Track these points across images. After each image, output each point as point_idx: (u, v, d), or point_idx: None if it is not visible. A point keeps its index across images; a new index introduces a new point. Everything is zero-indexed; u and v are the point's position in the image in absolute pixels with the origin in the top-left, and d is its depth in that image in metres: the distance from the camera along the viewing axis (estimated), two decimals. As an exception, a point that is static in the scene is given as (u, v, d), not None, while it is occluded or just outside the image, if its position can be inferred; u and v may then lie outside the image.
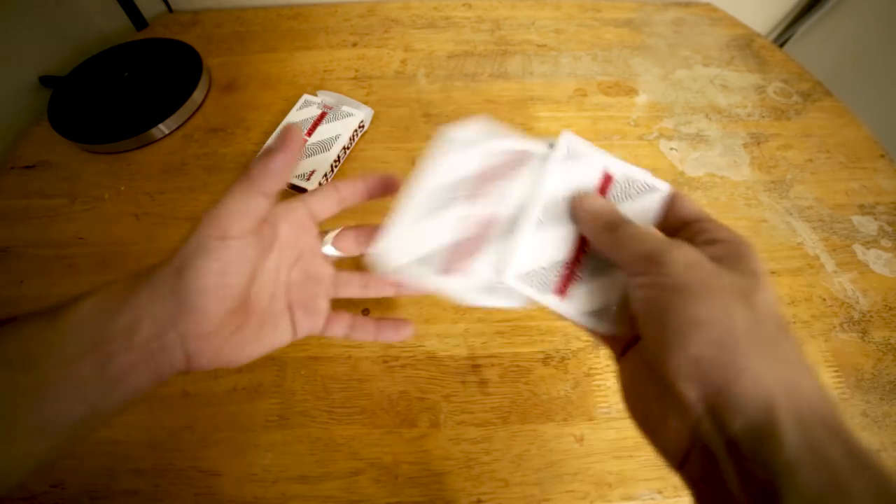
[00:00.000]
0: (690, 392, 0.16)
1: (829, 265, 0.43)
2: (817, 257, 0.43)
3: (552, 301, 0.22)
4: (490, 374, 0.37)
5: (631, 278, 0.19)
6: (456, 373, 0.37)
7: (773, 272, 0.42)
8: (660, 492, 0.33)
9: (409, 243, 0.23)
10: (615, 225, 0.21)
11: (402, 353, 0.38)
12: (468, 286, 0.22)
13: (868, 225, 0.45)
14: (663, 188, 0.23)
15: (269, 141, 0.20)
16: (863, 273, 0.42)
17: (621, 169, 0.24)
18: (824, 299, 0.41)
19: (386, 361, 0.37)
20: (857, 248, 0.43)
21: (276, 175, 0.21)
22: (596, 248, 0.22)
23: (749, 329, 0.16)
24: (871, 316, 0.40)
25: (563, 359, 0.38)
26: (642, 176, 0.23)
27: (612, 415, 0.35)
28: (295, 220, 0.25)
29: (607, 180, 0.23)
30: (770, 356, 0.16)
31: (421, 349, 0.38)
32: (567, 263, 0.22)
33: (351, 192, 0.26)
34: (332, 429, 0.35)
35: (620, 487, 0.33)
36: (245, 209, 0.20)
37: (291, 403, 0.36)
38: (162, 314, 0.19)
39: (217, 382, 0.36)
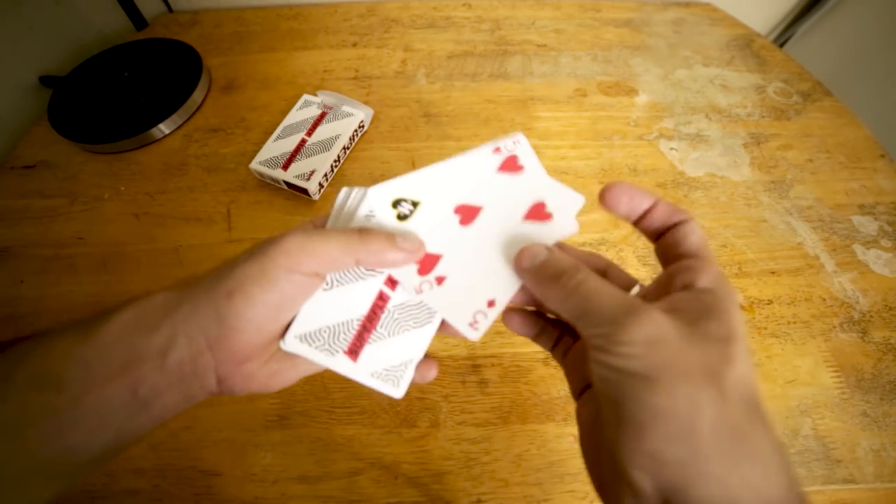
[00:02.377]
0: (645, 483, 0.15)
1: (829, 265, 0.43)
2: (817, 257, 0.43)
3: (341, 363, 0.20)
4: (490, 374, 0.37)
5: (587, 345, 0.18)
6: (456, 373, 0.37)
7: (772, 272, 0.42)
8: (660, 492, 0.33)
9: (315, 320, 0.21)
10: (553, 276, 0.19)
11: (402, 353, 0.38)
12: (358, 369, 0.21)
13: (868, 225, 0.45)
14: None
15: (402, 242, 0.20)
16: (863, 273, 0.42)
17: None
18: (824, 299, 0.41)
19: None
20: (857, 248, 0.43)
21: (385, 265, 0.20)
22: (545, 303, 0.20)
23: (715, 422, 0.15)
24: (871, 316, 0.40)
25: (563, 359, 0.38)
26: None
27: (612, 415, 0.35)
28: None
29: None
30: (737, 454, 0.14)
31: (421, 349, 0.38)
32: (361, 320, 0.21)
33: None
34: (332, 429, 0.35)
35: (620, 487, 0.33)
36: (330, 259, 0.19)
37: (291, 403, 0.36)
38: (199, 335, 0.18)
39: (217, 382, 0.36)
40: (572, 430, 0.35)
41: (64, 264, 0.42)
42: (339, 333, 0.21)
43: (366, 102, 0.52)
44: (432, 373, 0.23)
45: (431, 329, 0.22)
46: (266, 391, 0.21)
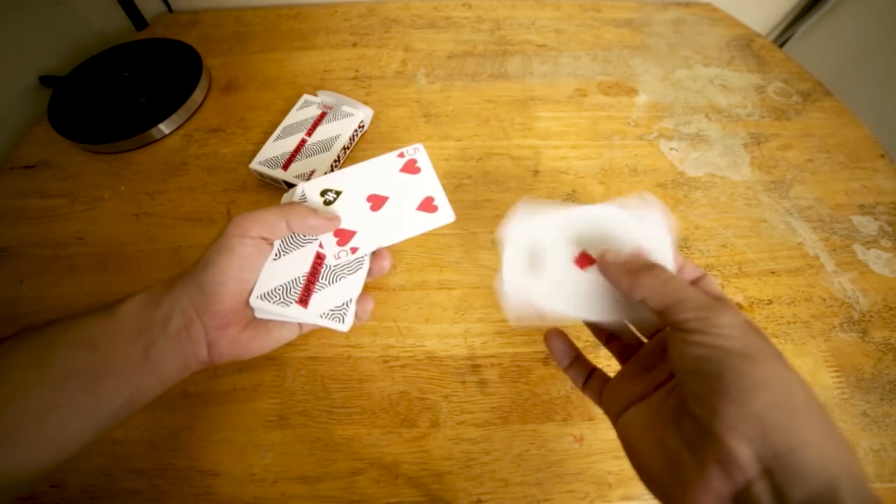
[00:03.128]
0: (744, 450, 0.16)
1: (829, 265, 0.43)
2: (817, 257, 0.43)
3: (295, 311, 0.27)
4: (490, 374, 0.37)
5: (680, 328, 0.20)
6: (456, 373, 0.37)
7: (772, 272, 0.42)
8: (660, 492, 0.33)
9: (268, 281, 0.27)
10: (646, 267, 0.22)
11: (401, 353, 0.38)
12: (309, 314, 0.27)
13: (868, 225, 0.45)
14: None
15: (320, 212, 0.29)
16: (863, 273, 0.42)
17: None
18: (824, 299, 0.41)
19: (386, 361, 0.37)
20: (857, 248, 0.43)
21: (309, 229, 0.27)
22: (632, 292, 0.22)
23: (806, 399, 0.17)
24: (871, 316, 0.40)
25: (563, 359, 0.38)
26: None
27: (612, 415, 0.35)
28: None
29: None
30: (827, 431, 0.16)
31: (421, 349, 0.38)
32: (306, 276, 0.28)
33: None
34: (332, 429, 0.35)
35: (620, 487, 0.33)
36: (269, 223, 0.26)
37: (291, 403, 0.36)
38: (189, 306, 0.24)
39: (217, 382, 0.36)
40: (572, 429, 0.35)
41: (64, 264, 0.42)
42: (290, 289, 0.27)
43: (366, 102, 0.52)
44: (369, 305, 0.29)
45: (362, 274, 0.29)
46: (249, 355, 0.27)
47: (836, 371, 0.37)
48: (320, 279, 0.28)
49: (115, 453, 0.34)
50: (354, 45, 0.59)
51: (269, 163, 0.45)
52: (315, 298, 0.27)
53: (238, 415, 0.35)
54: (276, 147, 0.46)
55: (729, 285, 0.41)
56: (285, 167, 0.45)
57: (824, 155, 0.50)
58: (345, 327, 0.28)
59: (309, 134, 0.47)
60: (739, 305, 0.40)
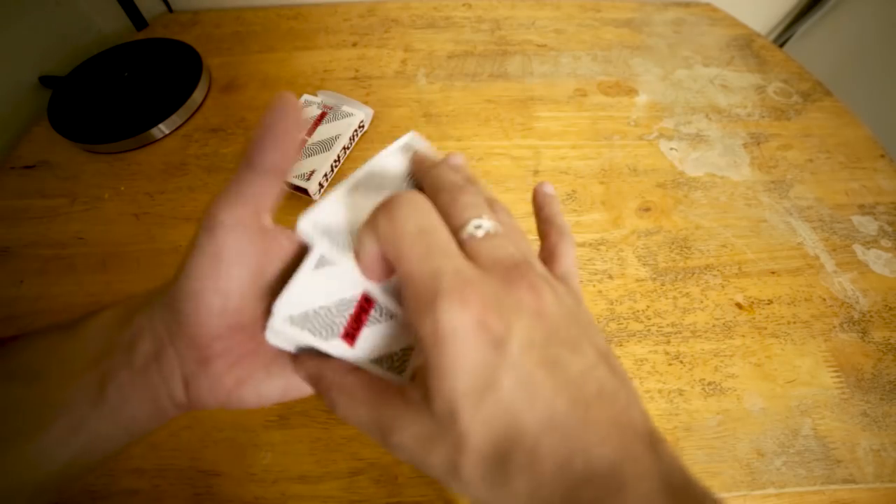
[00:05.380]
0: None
1: (829, 265, 0.43)
2: (817, 257, 0.43)
3: (337, 347, 0.18)
4: (490, 374, 0.37)
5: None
6: (456, 373, 0.37)
7: (772, 272, 0.42)
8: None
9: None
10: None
11: (402, 353, 0.38)
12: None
13: (868, 225, 0.45)
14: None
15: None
16: (863, 273, 0.42)
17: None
18: (824, 299, 0.41)
19: (386, 361, 0.37)
20: (857, 248, 0.43)
21: (273, 145, 0.17)
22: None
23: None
24: (871, 316, 0.40)
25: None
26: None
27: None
28: None
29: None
30: None
31: (421, 349, 0.38)
32: (358, 301, 0.19)
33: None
34: (332, 429, 0.35)
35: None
36: (237, 190, 0.17)
37: (291, 403, 0.36)
38: (160, 325, 0.17)
39: (217, 382, 0.36)
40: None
41: (64, 264, 0.42)
42: (334, 315, 0.18)
43: (366, 102, 0.52)
44: None
45: None
46: (238, 405, 0.18)
47: (836, 371, 0.37)
48: (375, 309, 0.19)
49: (115, 453, 0.34)
50: (354, 45, 0.59)
51: (269, 163, 0.45)
52: (366, 334, 0.19)
53: (238, 415, 0.35)
54: (276, 147, 0.46)
55: (729, 285, 0.41)
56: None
57: (824, 155, 0.50)
58: (403, 380, 0.19)
59: (309, 134, 0.47)
60: (739, 305, 0.40)
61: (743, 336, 0.39)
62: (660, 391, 0.37)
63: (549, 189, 0.24)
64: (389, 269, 0.17)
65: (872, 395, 0.36)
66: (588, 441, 0.14)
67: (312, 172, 0.44)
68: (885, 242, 0.44)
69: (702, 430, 0.35)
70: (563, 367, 0.15)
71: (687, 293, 0.41)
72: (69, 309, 0.40)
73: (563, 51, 0.59)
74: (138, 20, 0.62)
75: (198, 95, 0.53)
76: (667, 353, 0.38)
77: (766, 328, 0.39)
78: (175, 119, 0.51)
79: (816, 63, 0.59)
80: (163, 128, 0.50)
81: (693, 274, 0.42)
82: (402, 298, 0.18)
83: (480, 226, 0.16)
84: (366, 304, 0.19)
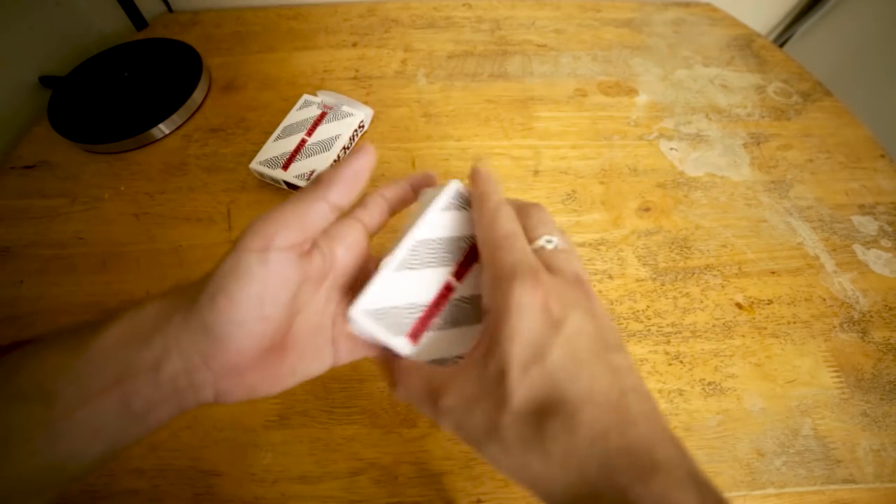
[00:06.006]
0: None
1: (829, 265, 0.43)
2: (817, 257, 0.43)
3: (401, 344, 0.20)
4: (490, 374, 0.37)
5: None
6: (456, 373, 0.37)
7: (772, 272, 0.42)
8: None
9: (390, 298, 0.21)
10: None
11: (402, 353, 0.38)
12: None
13: (868, 225, 0.45)
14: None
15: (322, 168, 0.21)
16: (863, 273, 0.42)
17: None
18: (824, 299, 0.41)
19: (386, 361, 0.37)
20: (857, 248, 0.43)
21: (348, 183, 0.19)
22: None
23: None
24: (871, 316, 0.40)
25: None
26: None
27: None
28: (352, 241, 0.22)
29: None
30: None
31: (421, 349, 0.38)
32: (427, 307, 0.21)
33: (397, 195, 0.24)
34: (332, 429, 0.35)
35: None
36: (300, 215, 0.18)
37: (291, 403, 0.36)
38: (192, 350, 0.17)
39: (217, 382, 0.36)
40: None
41: (64, 264, 0.42)
42: (405, 314, 0.21)
43: (366, 102, 0.52)
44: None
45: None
46: (266, 395, 0.20)
47: (836, 371, 0.37)
48: (441, 315, 0.21)
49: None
50: (354, 45, 0.59)
51: (270, 163, 0.45)
52: (429, 336, 0.21)
53: (238, 415, 0.35)
54: (276, 147, 0.46)
55: (729, 285, 0.41)
56: (285, 167, 0.45)
57: (824, 155, 0.50)
58: None
59: (309, 134, 0.47)
60: (739, 305, 0.40)
61: (743, 336, 0.39)
62: (660, 391, 0.37)
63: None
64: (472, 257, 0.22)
65: (872, 395, 0.36)
66: (624, 420, 0.16)
67: (312, 172, 0.44)
68: (885, 242, 0.44)
69: (702, 430, 0.35)
70: (607, 357, 0.17)
71: (687, 293, 0.41)
72: (69, 309, 0.40)
73: (563, 51, 0.59)
74: (138, 20, 0.62)
75: (198, 95, 0.53)
76: (667, 353, 0.38)
77: (766, 328, 0.39)
78: (175, 119, 0.51)
79: (816, 63, 0.59)
80: (163, 128, 0.50)
81: (693, 274, 0.42)
82: (480, 281, 0.21)
83: (551, 241, 0.20)
84: (434, 309, 0.21)
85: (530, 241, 0.20)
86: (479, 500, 0.33)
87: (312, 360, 0.21)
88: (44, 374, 0.17)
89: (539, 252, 0.20)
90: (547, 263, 0.19)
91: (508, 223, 0.20)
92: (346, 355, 0.22)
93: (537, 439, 0.16)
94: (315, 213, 0.18)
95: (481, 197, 0.21)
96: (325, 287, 0.21)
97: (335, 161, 0.46)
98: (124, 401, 0.17)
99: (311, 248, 0.19)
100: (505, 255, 0.18)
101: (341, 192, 0.19)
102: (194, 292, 0.17)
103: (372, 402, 0.36)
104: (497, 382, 0.17)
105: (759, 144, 0.51)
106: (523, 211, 0.21)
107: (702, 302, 0.40)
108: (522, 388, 0.16)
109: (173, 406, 0.18)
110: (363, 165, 0.19)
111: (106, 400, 0.16)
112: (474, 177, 0.22)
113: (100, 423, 0.17)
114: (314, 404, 0.36)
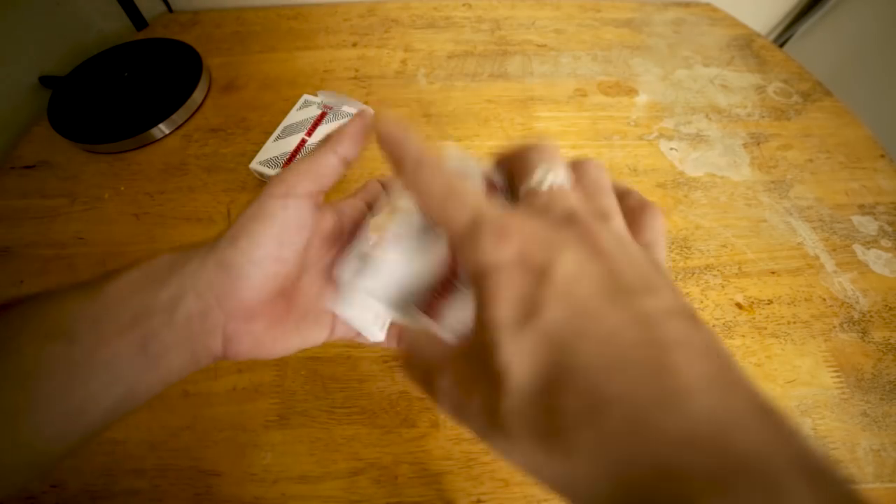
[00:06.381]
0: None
1: (829, 265, 0.43)
2: (817, 257, 0.43)
3: (420, 319, 0.20)
4: (490, 374, 0.37)
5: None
6: (456, 373, 0.37)
7: (772, 272, 0.42)
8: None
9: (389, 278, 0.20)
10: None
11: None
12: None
13: (868, 225, 0.45)
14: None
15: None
16: (863, 273, 0.42)
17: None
18: (824, 299, 0.41)
19: (386, 361, 0.37)
20: (857, 248, 0.43)
21: (353, 137, 0.20)
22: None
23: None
24: (871, 316, 0.40)
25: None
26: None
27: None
28: (358, 217, 0.23)
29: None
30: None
31: (421, 349, 0.38)
32: (440, 279, 0.21)
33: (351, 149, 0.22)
34: (332, 429, 0.35)
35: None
36: (315, 167, 0.20)
37: (291, 403, 0.36)
38: (207, 289, 0.18)
39: (217, 382, 0.36)
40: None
41: (64, 264, 0.42)
42: (415, 290, 0.20)
43: (366, 102, 0.52)
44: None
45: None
46: (269, 357, 0.21)
47: (836, 371, 0.37)
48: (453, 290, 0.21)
49: (115, 453, 0.34)
50: (354, 45, 0.59)
51: (270, 163, 0.45)
52: (445, 307, 0.21)
53: (238, 415, 0.35)
54: (277, 147, 0.46)
55: (729, 285, 0.41)
56: (285, 167, 0.45)
57: (824, 155, 0.50)
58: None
59: (309, 134, 0.47)
60: (739, 305, 0.40)
61: (743, 336, 0.39)
62: (660, 391, 0.37)
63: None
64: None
65: (872, 395, 0.36)
66: (671, 391, 0.11)
67: (312, 172, 0.44)
68: (885, 242, 0.44)
69: (702, 430, 0.35)
70: (629, 302, 0.13)
71: (687, 293, 0.41)
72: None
73: (563, 51, 0.59)
74: (138, 20, 0.62)
75: (198, 95, 0.53)
76: (667, 353, 0.38)
77: (766, 328, 0.39)
78: (175, 119, 0.51)
79: (816, 63, 0.59)
80: (163, 128, 0.50)
81: (693, 274, 0.42)
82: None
83: (545, 179, 0.17)
84: (446, 282, 0.21)
85: (520, 184, 0.17)
86: (479, 500, 0.33)
87: (314, 323, 0.22)
88: (63, 315, 0.17)
89: (527, 197, 0.16)
90: (531, 206, 0.16)
91: (438, 176, 0.16)
92: (343, 329, 0.23)
93: (552, 428, 0.12)
94: (327, 164, 0.20)
95: (394, 157, 0.17)
96: (333, 254, 0.22)
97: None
98: (140, 343, 0.17)
99: (325, 206, 0.21)
100: (452, 214, 0.15)
101: (348, 146, 0.20)
102: (213, 243, 0.19)
103: (372, 402, 0.36)
104: (489, 357, 0.13)
105: (759, 144, 0.51)
106: (519, 156, 0.19)
107: (702, 302, 0.40)
108: (516, 358, 0.13)
109: (186, 352, 0.18)
110: (365, 123, 0.21)
111: (123, 341, 0.17)
112: (378, 138, 0.18)
113: (118, 365, 0.17)
114: (314, 404, 0.36)
